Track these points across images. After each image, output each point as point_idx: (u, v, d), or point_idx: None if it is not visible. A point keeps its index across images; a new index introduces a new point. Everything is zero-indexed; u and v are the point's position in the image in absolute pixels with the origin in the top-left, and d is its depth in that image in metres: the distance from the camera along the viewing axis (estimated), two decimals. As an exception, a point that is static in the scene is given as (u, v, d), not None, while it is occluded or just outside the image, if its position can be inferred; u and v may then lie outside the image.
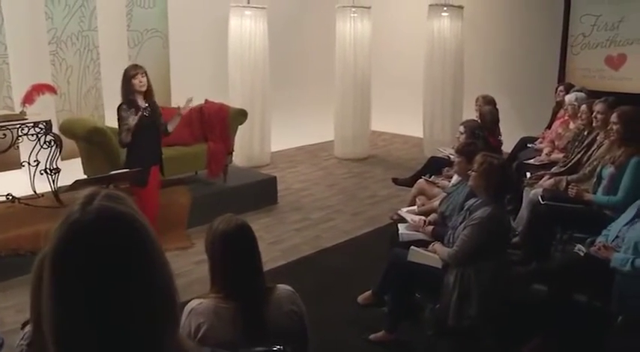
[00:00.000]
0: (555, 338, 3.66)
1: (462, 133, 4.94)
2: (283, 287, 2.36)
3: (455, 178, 4.69)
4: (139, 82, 4.58)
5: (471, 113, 7.98)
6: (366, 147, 8.76)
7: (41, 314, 0.95)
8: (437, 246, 3.73)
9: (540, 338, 3.71)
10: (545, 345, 3.68)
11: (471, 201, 3.65)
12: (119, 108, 4.63)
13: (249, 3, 7.68)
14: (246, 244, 2.28)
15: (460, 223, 3.63)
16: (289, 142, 9.02)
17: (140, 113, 4.54)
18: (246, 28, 7.68)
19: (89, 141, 5.38)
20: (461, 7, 8.16)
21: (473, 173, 3.56)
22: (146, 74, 4.66)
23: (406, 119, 9.44)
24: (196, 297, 2.32)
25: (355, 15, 8.24)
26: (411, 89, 9.06)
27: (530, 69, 8.18)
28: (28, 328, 2.13)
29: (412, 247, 3.73)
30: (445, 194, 4.41)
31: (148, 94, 4.70)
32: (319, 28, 9.02)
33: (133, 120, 4.54)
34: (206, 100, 6.57)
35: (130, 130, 4.54)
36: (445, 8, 8.15)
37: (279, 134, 8.39)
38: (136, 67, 4.70)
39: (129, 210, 0.96)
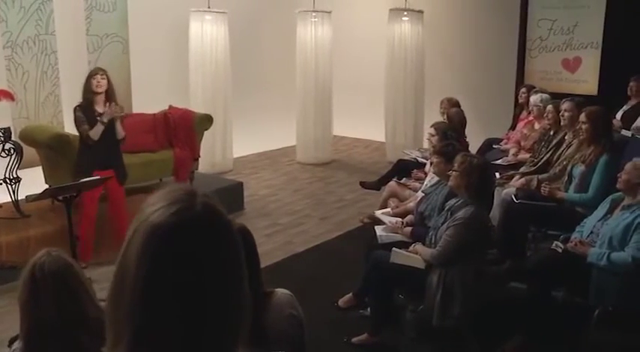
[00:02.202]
0: (536, 336, 3.71)
1: (432, 135, 4.97)
2: (282, 292, 2.31)
3: (428, 179, 4.74)
4: (97, 82, 4.64)
5: (432, 116, 8.09)
6: (329, 151, 8.76)
7: (113, 314, 0.90)
8: (418, 246, 3.74)
9: (521, 336, 3.76)
10: (526, 343, 3.73)
11: (452, 202, 3.68)
12: (74, 110, 4.71)
13: (209, 7, 7.57)
14: (246, 248, 2.22)
15: (442, 224, 3.65)
16: (250, 148, 8.94)
17: (101, 121, 4.61)
18: (207, 33, 7.58)
19: (52, 148, 5.18)
20: (421, 12, 8.27)
21: (453, 173, 3.59)
22: (107, 77, 4.72)
23: (367, 123, 9.49)
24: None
25: (316, 19, 8.24)
26: (371, 93, 9.12)
27: (489, 72, 8.35)
28: (17, 344, 2.02)
29: (394, 249, 3.73)
30: (422, 194, 4.43)
31: (108, 97, 4.73)
32: (280, 33, 8.99)
33: (95, 134, 4.60)
34: (170, 106, 6.44)
35: (90, 137, 4.62)
36: (405, 13, 8.24)
37: (240, 140, 8.29)
38: (98, 68, 4.80)
39: (225, 211, 0.95)
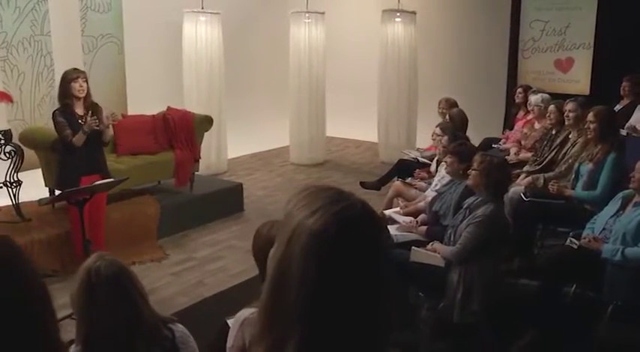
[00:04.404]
0: (548, 332, 3.77)
1: (439, 135, 5.03)
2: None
3: (438, 178, 4.79)
4: (79, 87, 4.40)
5: (425, 116, 8.16)
6: (322, 152, 8.76)
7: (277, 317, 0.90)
8: (437, 245, 3.78)
9: (533, 332, 3.82)
10: (539, 339, 3.79)
11: (471, 200, 3.73)
12: (54, 114, 4.48)
13: (203, 8, 7.52)
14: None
15: (461, 221, 3.69)
16: (242, 149, 8.89)
17: (83, 131, 4.38)
18: (201, 34, 7.53)
19: (55, 150, 5.09)
20: (414, 13, 8.33)
21: (473, 172, 3.64)
22: (87, 80, 4.49)
23: (358, 124, 9.51)
24: (247, 307, 2.23)
25: (309, 20, 8.23)
26: (364, 94, 9.14)
27: (481, 72, 8.42)
28: (73, 349, 2.00)
29: (414, 248, 3.77)
30: (432, 193, 4.48)
31: (87, 100, 4.51)
32: (273, 34, 8.97)
33: (78, 141, 4.39)
34: (168, 107, 6.38)
35: (74, 144, 4.40)
36: (398, 14, 8.29)
37: (233, 140, 8.26)
38: (77, 70, 4.50)
39: None
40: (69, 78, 4.40)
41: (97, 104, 4.58)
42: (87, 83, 4.47)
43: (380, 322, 0.92)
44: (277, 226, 2.28)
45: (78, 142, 4.42)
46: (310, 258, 0.88)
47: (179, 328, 2.14)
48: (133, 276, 2.06)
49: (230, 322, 2.45)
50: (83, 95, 4.44)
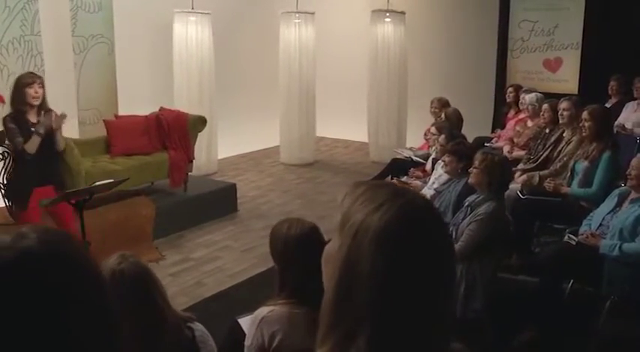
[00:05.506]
0: (548, 328, 3.82)
1: (434, 134, 5.08)
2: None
3: (435, 177, 4.82)
4: (34, 93, 4.09)
5: (414, 116, 8.23)
6: (312, 152, 8.78)
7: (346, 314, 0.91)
8: (438, 243, 3.80)
9: (533, 328, 3.87)
10: (538, 335, 3.84)
11: (472, 198, 3.76)
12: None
13: (193, 8, 7.50)
14: (321, 246, 2.24)
15: (462, 219, 3.73)
16: (232, 149, 8.87)
17: (37, 133, 4.13)
18: (192, 34, 7.52)
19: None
20: (403, 13, 8.37)
21: (475, 170, 3.68)
22: (43, 85, 4.22)
23: (348, 124, 9.55)
24: (265, 305, 2.24)
25: (299, 21, 8.26)
26: (354, 94, 9.17)
27: (469, 72, 8.50)
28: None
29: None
30: (431, 192, 4.52)
31: (42, 107, 4.24)
32: (263, 34, 8.95)
33: (31, 147, 4.14)
34: (161, 108, 6.36)
35: (26, 151, 4.16)
36: (387, 14, 8.33)
37: (223, 141, 8.24)
38: (32, 75, 4.24)
39: None
40: (23, 82, 4.12)
41: (51, 110, 4.31)
42: (43, 89, 4.20)
43: (447, 313, 0.93)
44: (296, 225, 2.29)
45: (31, 148, 4.15)
46: (379, 253, 0.88)
47: (198, 327, 2.14)
48: (155, 277, 2.06)
49: (242, 321, 2.46)
50: (38, 103, 4.15)
